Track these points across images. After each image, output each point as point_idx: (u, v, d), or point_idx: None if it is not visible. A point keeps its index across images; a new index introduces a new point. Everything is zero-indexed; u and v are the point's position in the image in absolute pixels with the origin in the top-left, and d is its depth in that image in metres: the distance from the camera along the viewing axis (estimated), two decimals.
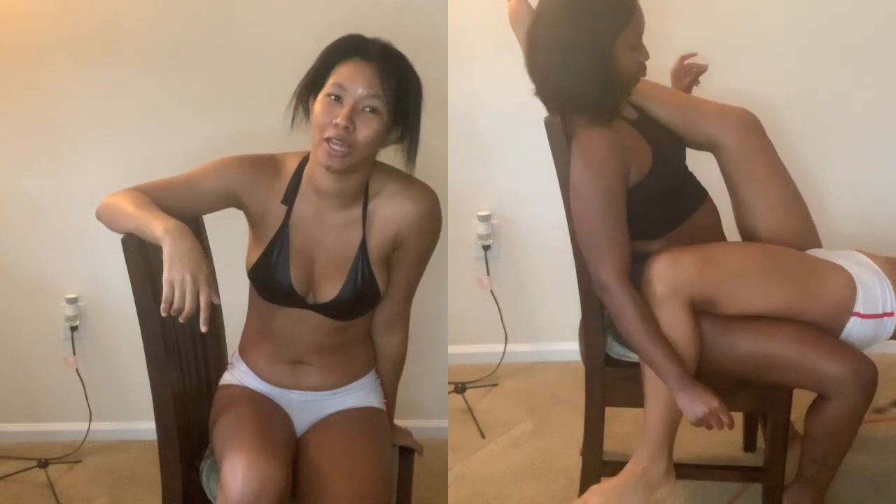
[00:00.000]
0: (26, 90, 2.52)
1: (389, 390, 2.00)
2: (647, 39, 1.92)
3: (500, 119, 2.74)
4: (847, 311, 1.88)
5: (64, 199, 2.60)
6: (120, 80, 2.50)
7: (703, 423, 1.87)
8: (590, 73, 1.84)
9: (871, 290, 1.88)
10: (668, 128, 2.04)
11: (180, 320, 1.60)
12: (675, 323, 1.86)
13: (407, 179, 1.83)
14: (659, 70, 2.03)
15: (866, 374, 1.85)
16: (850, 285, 1.88)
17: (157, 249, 1.69)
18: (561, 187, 1.94)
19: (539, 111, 2.00)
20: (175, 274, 1.60)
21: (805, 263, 1.94)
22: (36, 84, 2.51)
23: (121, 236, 1.72)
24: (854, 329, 1.89)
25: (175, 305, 1.59)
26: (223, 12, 2.48)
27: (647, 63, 1.92)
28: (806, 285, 1.90)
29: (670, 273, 1.85)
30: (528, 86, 2.00)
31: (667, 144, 1.99)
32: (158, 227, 1.64)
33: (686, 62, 2.18)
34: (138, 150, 2.53)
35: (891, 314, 1.89)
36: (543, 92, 1.92)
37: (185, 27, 2.48)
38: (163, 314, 1.60)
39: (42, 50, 2.48)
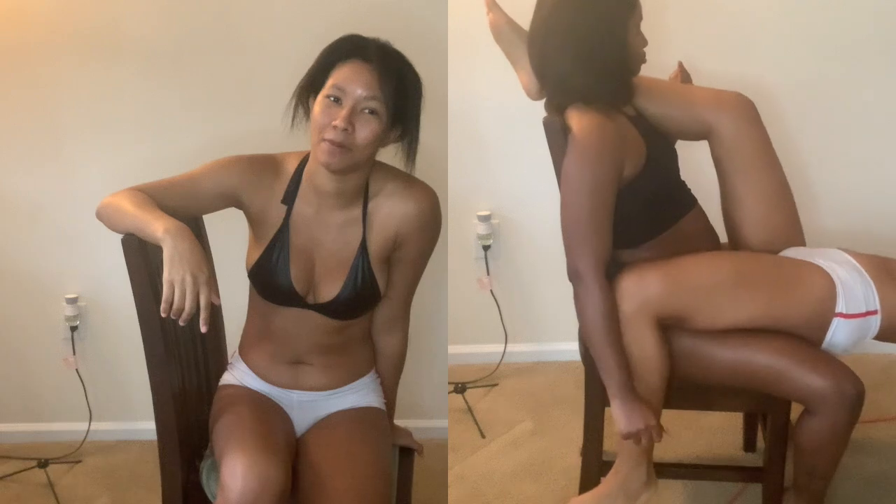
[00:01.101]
0: (26, 90, 2.52)
1: (389, 390, 2.00)
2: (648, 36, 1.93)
3: (500, 119, 2.74)
4: (829, 312, 1.84)
5: (64, 199, 2.60)
6: (120, 80, 2.50)
7: (634, 437, 1.86)
8: (608, 59, 1.85)
9: (852, 288, 1.84)
10: (661, 132, 2.03)
11: (180, 322, 1.60)
12: (643, 342, 1.85)
13: (407, 179, 1.83)
14: (658, 67, 2.03)
15: (849, 390, 1.81)
16: (829, 286, 1.84)
17: (157, 249, 1.69)
18: (559, 185, 1.93)
19: (539, 111, 2.00)
20: (175, 274, 1.59)
21: (780, 269, 1.90)
22: (36, 84, 2.52)
23: (121, 236, 1.72)
24: (839, 330, 1.85)
25: (175, 305, 1.59)
26: (223, 13, 2.48)
27: (647, 60, 1.94)
28: (782, 292, 1.86)
29: (636, 291, 1.84)
30: None
31: (661, 147, 1.98)
32: (159, 228, 1.64)
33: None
34: (138, 150, 2.53)
35: (874, 312, 1.85)
36: (556, 87, 1.92)
37: (185, 27, 2.48)
38: (162, 314, 1.60)
39: (42, 50, 2.48)
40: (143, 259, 1.72)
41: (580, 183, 1.84)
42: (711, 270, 1.89)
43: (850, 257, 1.91)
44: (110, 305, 2.68)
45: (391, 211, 1.82)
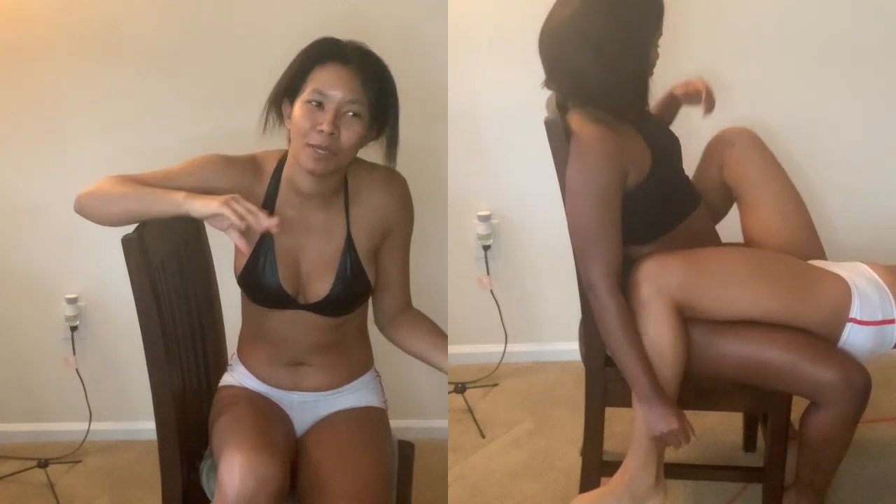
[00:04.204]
0: (26, 90, 2.52)
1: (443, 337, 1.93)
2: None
3: (501, 119, 2.73)
4: (843, 317, 1.86)
5: (64, 199, 2.57)
6: (120, 79, 2.50)
7: (658, 441, 1.87)
8: (627, 68, 1.84)
9: (869, 297, 1.86)
10: (666, 127, 2.04)
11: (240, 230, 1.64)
12: (661, 325, 1.85)
13: (382, 170, 1.85)
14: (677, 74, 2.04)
15: (858, 381, 1.83)
16: (845, 291, 1.86)
17: (157, 249, 1.70)
18: (560, 187, 1.94)
19: (539, 111, 2.00)
20: (221, 202, 1.63)
21: (798, 269, 1.92)
22: (36, 84, 2.51)
23: (121, 236, 1.72)
24: (852, 336, 1.87)
25: (238, 222, 1.62)
26: (223, 12, 2.48)
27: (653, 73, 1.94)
28: (798, 290, 1.88)
29: (657, 275, 1.85)
30: (527, 86, 2.00)
31: (666, 146, 1.99)
32: (178, 195, 1.67)
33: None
34: (138, 150, 2.51)
35: (891, 321, 1.86)
36: (569, 85, 1.91)
37: (185, 27, 2.48)
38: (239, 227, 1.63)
39: (42, 50, 2.48)
40: (143, 259, 1.72)
41: (585, 194, 1.85)
42: (732, 261, 1.91)
43: (868, 269, 1.93)
44: (110, 305, 2.68)
45: (376, 204, 1.84)
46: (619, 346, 1.85)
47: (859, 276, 1.89)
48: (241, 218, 1.63)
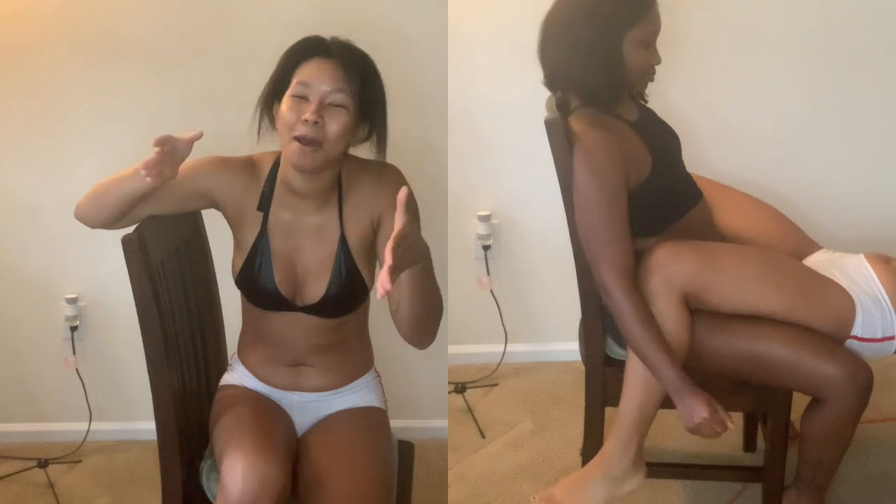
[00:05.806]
0: (26, 90, 2.52)
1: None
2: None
3: (500, 118, 2.73)
4: (845, 332, 1.87)
5: (64, 199, 2.57)
6: (120, 79, 2.50)
7: (695, 431, 1.87)
8: (596, 62, 1.85)
9: (871, 314, 1.87)
10: (666, 124, 2.04)
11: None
12: (667, 314, 1.86)
13: (372, 164, 1.84)
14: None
15: (861, 377, 1.84)
16: (849, 308, 1.87)
17: (156, 249, 1.69)
18: (561, 187, 1.94)
19: (539, 111, 2.00)
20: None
21: (808, 277, 1.93)
22: (36, 84, 2.51)
23: (121, 236, 1.72)
24: (851, 349, 1.89)
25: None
26: (223, 12, 2.47)
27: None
28: (806, 298, 1.89)
29: (669, 264, 1.85)
30: (528, 85, 2.00)
31: (666, 146, 1.99)
32: (131, 168, 1.71)
33: None
34: (138, 150, 2.50)
35: (891, 338, 1.88)
36: (552, 77, 1.93)
37: (185, 27, 2.48)
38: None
39: (42, 49, 2.48)
40: (143, 259, 1.72)
41: (592, 198, 1.86)
42: (744, 258, 1.92)
43: (873, 275, 1.93)
44: (110, 305, 2.67)
45: (364, 198, 1.82)
46: (641, 343, 1.84)
47: (864, 293, 1.89)
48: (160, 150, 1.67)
